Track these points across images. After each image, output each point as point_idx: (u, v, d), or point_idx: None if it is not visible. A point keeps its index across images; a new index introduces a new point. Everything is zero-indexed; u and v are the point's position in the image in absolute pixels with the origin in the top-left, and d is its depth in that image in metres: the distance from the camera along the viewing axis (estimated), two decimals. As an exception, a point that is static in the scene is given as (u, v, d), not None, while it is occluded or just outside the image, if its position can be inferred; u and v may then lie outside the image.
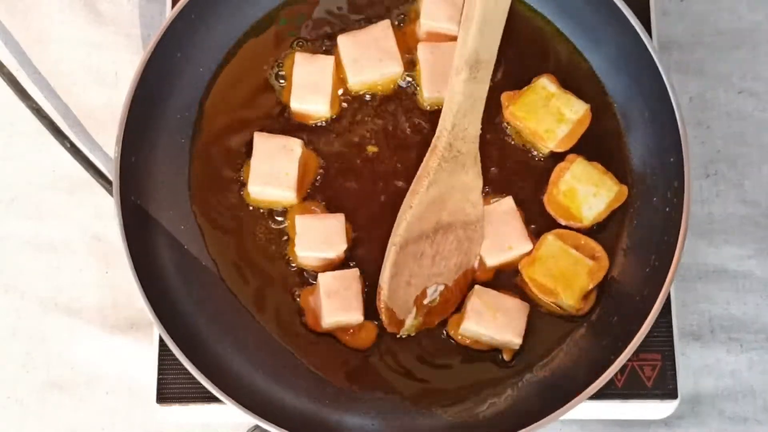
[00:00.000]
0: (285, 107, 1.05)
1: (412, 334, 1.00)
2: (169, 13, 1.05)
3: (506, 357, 0.99)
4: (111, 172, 1.09)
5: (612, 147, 1.04)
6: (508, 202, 1.02)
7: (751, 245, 1.11)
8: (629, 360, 0.98)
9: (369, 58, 1.04)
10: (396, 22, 1.07)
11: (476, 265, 1.01)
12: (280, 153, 1.02)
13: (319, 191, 1.04)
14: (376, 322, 1.00)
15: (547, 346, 1.01)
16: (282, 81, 1.06)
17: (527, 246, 1.00)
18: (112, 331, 1.09)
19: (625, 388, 1.01)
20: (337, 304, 0.99)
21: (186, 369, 0.95)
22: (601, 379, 0.95)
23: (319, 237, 1.00)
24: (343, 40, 1.05)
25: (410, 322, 1.00)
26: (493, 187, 1.03)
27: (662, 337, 1.02)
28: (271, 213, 1.03)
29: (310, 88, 1.04)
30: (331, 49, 1.06)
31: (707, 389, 1.08)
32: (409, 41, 1.06)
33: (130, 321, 1.09)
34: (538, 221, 1.02)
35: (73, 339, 1.09)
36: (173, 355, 0.96)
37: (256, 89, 1.06)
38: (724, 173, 1.13)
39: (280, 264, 1.02)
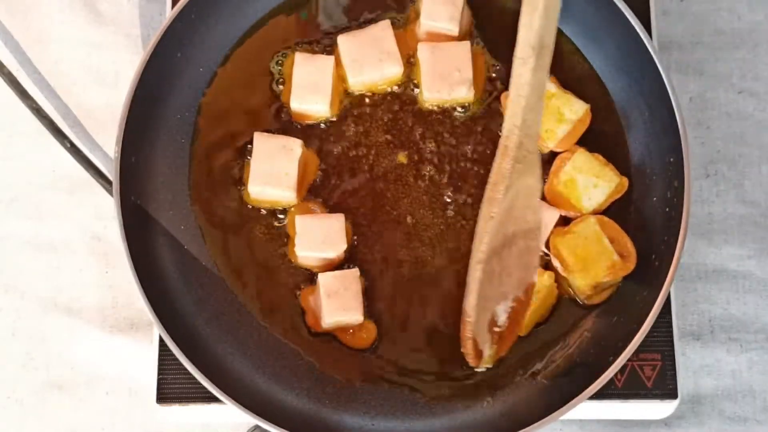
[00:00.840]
0: (285, 107, 1.05)
1: (490, 366, 0.97)
2: (169, 13, 1.05)
3: None
4: (111, 172, 1.09)
5: (612, 147, 1.04)
6: None
7: (751, 245, 1.11)
8: (629, 360, 0.98)
9: (369, 58, 1.04)
10: (396, 22, 1.07)
11: (536, 278, 0.95)
12: (280, 153, 1.02)
13: (319, 191, 1.04)
14: (376, 322, 1.01)
15: (546, 346, 1.01)
16: (282, 81, 1.06)
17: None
18: (112, 331, 1.09)
19: (625, 388, 1.01)
20: (337, 304, 0.99)
21: (186, 369, 0.95)
22: (601, 379, 0.95)
23: (319, 237, 1.00)
24: (343, 40, 1.05)
25: (488, 352, 0.95)
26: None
27: (662, 337, 1.02)
28: (271, 213, 1.03)
29: (310, 88, 1.04)
30: (331, 49, 1.06)
31: (707, 389, 1.08)
32: (409, 41, 1.06)
33: (130, 321, 1.09)
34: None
35: (73, 339, 1.09)
36: (173, 355, 0.96)
37: (255, 89, 1.06)
38: (724, 173, 1.13)
39: (281, 264, 1.02)
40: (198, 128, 1.05)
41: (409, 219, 1.03)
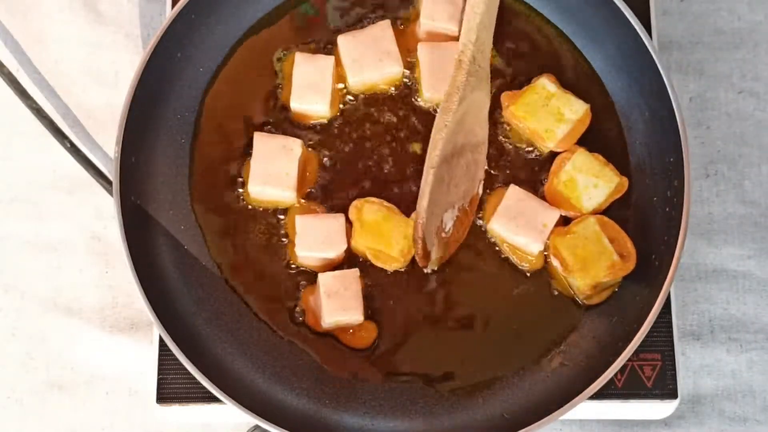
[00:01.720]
0: (285, 107, 1.05)
1: (435, 269, 1.00)
2: (169, 13, 1.05)
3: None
4: (111, 172, 1.09)
5: (612, 147, 1.04)
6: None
7: (751, 245, 1.11)
8: (629, 360, 0.98)
9: (369, 58, 1.04)
10: (396, 22, 1.07)
11: (480, 190, 1.01)
12: (280, 153, 1.02)
13: (320, 191, 1.04)
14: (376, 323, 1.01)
15: (546, 345, 1.01)
16: (282, 81, 1.06)
17: None
18: (112, 331, 1.09)
19: (625, 388, 1.01)
20: (337, 304, 0.99)
21: (186, 369, 0.95)
22: (601, 379, 0.94)
23: (319, 237, 1.00)
24: (343, 40, 1.05)
25: (434, 255, 0.99)
26: (492, 186, 1.03)
27: (662, 337, 1.02)
28: (271, 212, 1.03)
29: (310, 88, 1.04)
30: (331, 49, 1.06)
31: (707, 389, 1.08)
32: (409, 41, 1.06)
33: (130, 321, 1.09)
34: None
35: (73, 339, 1.09)
36: (173, 355, 0.96)
37: (256, 89, 1.06)
38: (724, 173, 1.13)
39: (281, 264, 1.02)
40: (198, 128, 1.05)
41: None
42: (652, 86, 1.00)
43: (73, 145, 1.10)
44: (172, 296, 1.00)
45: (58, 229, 1.11)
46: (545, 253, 1.01)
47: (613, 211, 1.02)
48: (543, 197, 1.02)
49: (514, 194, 1.01)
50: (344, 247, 1.00)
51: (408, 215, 1.02)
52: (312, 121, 1.05)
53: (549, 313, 1.01)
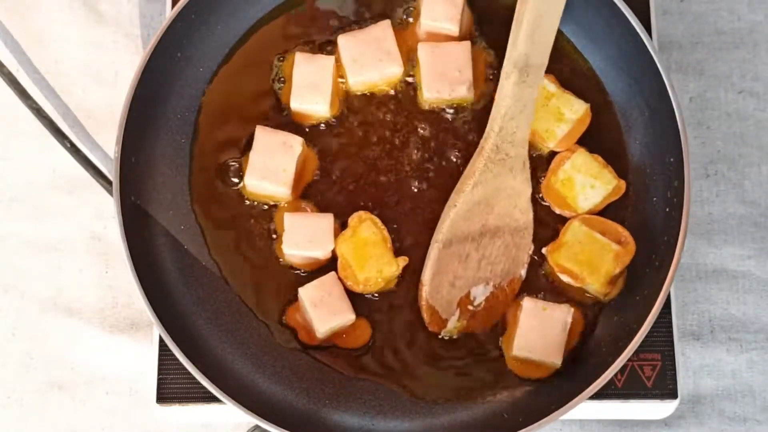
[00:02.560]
0: (285, 107, 1.05)
1: (454, 336, 1.00)
2: (169, 13, 1.05)
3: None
4: (111, 172, 1.09)
5: (612, 146, 1.04)
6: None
7: (751, 245, 1.11)
8: (629, 360, 0.98)
9: (369, 59, 1.04)
10: (396, 22, 1.07)
11: (523, 274, 1.01)
12: (279, 149, 1.02)
13: (316, 190, 1.04)
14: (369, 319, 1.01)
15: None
16: (282, 81, 1.06)
17: None
18: (112, 331, 1.09)
19: (625, 388, 1.01)
20: (325, 310, 0.98)
21: (186, 369, 0.95)
22: (601, 378, 0.94)
23: (306, 236, 1.00)
24: (343, 40, 1.05)
25: (453, 324, 1.00)
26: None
27: (662, 337, 1.02)
28: (271, 213, 1.03)
29: (310, 88, 1.04)
30: (331, 49, 1.06)
31: (707, 389, 1.08)
32: (410, 41, 1.06)
33: (130, 321, 1.09)
34: (547, 217, 1.03)
35: (73, 339, 1.09)
36: (173, 354, 0.96)
37: (256, 89, 1.06)
38: (724, 173, 1.13)
39: (281, 264, 1.02)
40: (198, 128, 1.05)
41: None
42: (652, 86, 1.00)
43: (73, 145, 1.10)
44: (172, 296, 1.00)
45: (58, 229, 1.11)
46: (547, 272, 1.01)
47: (612, 211, 1.02)
48: (540, 194, 1.02)
49: (530, 308, 1.00)
50: (331, 247, 1.00)
51: (401, 223, 1.02)
52: (312, 122, 1.05)
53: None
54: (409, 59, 1.06)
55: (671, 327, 1.02)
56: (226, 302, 1.02)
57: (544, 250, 1.01)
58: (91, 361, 1.09)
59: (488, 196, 1.00)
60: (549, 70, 1.05)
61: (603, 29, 1.04)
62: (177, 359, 0.95)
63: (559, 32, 1.06)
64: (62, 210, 1.12)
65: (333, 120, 1.05)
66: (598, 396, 0.97)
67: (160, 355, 1.01)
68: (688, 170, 0.98)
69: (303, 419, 0.98)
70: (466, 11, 1.06)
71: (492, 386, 0.99)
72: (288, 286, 1.02)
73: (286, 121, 1.05)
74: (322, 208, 1.03)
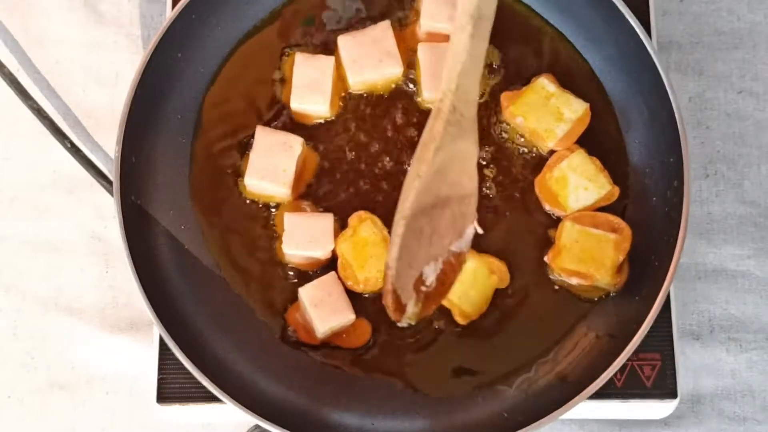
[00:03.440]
0: (285, 107, 1.05)
1: (413, 323, 0.96)
2: (169, 14, 1.05)
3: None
4: (111, 172, 1.09)
5: (611, 146, 1.04)
6: None
7: (751, 245, 1.11)
8: (629, 360, 0.98)
9: (369, 59, 1.04)
10: (396, 23, 1.07)
11: (467, 248, 0.95)
12: (280, 149, 1.02)
13: (316, 191, 1.04)
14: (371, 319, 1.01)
15: (546, 345, 1.01)
16: (282, 81, 1.06)
17: None
18: (113, 330, 1.09)
19: (625, 387, 1.01)
20: (325, 310, 0.99)
21: (186, 368, 0.95)
22: (600, 378, 0.95)
23: (306, 236, 1.00)
24: (343, 41, 1.05)
25: (411, 310, 0.94)
26: (493, 186, 1.04)
27: (662, 337, 1.02)
28: (272, 213, 1.03)
29: (310, 88, 1.04)
30: (331, 50, 1.06)
31: (707, 389, 1.08)
32: (410, 41, 1.06)
33: (131, 321, 1.09)
34: (534, 213, 1.03)
35: (73, 339, 1.09)
36: (173, 354, 0.96)
37: (256, 89, 1.06)
38: (723, 173, 1.13)
39: (281, 264, 1.02)
40: (198, 128, 1.05)
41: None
42: (651, 86, 1.00)
43: (73, 145, 1.10)
44: (172, 296, 1.00)
45: (59, 228, 1.12)
46: (558, 279, 1.01)
47: (611, 211, 1.02)
48: (539, 203, 1.03)
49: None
50: (331, 247, 1.00)
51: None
52: (312, 122, 1.05)
53: (548, 312, 1.01)
54: (409, 59, 1.06)
55: (671, 327, 1.02)
56: (226, 302, 1.02)
57: (546, 259, 1.01)
58: (91, 361, 1.09)
59: (445, 162, 0.93)
60: (548, 70, 1.05)
61: (602, 29, 1.04)
62: (177, 359, 0.95)
63: (559, 32, 1.07)
64: (63, 210, 1.12)
65: (333, 120, 1.05)
66: (597, 396, 0.97)
67: (160, 355, 1.01)
68: (687, 170, 0.98)
69: (303, 419, 0.98)
70: (465, 11, 1.06)
71: (494, 381, 1.00)
72: (288, 286, 1.02)
73: (286, 121, 1.05)
74: (321, 208, 1.03)
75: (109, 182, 1.09)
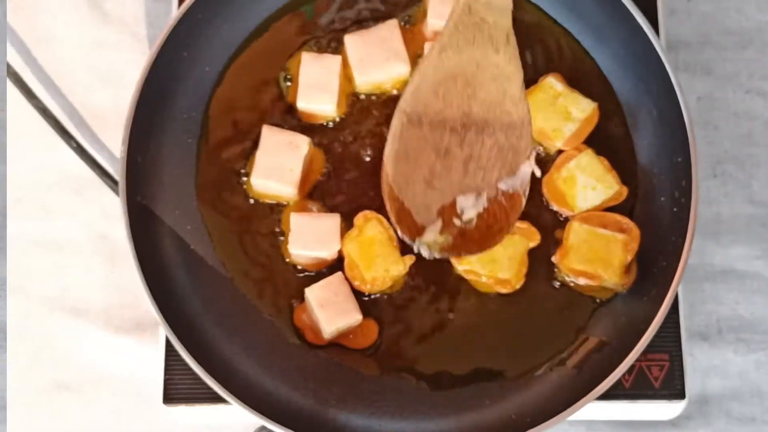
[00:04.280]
0: (292, 107, 1.05)
1: (437, 256, 0.90)
2: (175, 13, 1.05)
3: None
4: (117, 172, 1.09)
5: (619, 146, 1.04)
6: None
7: (759, 245, 1.11)
8: (637, 360, 0.98)
9: (376, 58, 1.04)
10: (403, 22, 1.07)
11: (525, 188, 0.88)
12: (286, 148, 1.02)
13: (322, 190, 1.04)
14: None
15: (554, 346, 1.00)
16: (289, 80, 1.06)
17: None
18: (119, 331, 1.09)
19: (633, 388, 1.01)
20: (332, 311, 0.98)
21: (192, 369, 0.95)
22: (608, 379, 0.94)
23: (313, 236, 1.00)
24: (350, 40, 1.05)
25: (432, 236, 0.88)
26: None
27: (670, 338, 1.01)
28: (278, 212, 1.03)
29: (316, 88, 1.04)
30: (338, 49, 1.06)
31: (715, 390, 1.08)
32: (417, 41, 1.06)
33: (137, 321, 1.09)
34: (543, 215, 1.02)
35: (79, 339, 1.09)
36: (179, 355, 0.95)
37: (262, 89, 1.06)
38: (731, 173, 1.13)
39: (287, 264, 1.02)
40: (204, 128, 1.05)
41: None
42: (659, 86, 1.00)
43: (79, 144, 1.10)
44: (178, 296, 1.00)
45: (65, 228, 1.11)
46: (565, 279, 1.01)
47: (619, 211, 1.02)
48: (545, 203, 1.02)
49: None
50: (338, 247, 1.00)
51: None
52: (318, 121, 1.05)
53: (556, 313, 1.01)
54: (416, 59, 1.06)
55: (679, 327, 1.02)
56: (233, 302, 1.02)
57: (553, 259, 1.00)
58: (97, 362, 1.09)
59: (464, 69, 0.86)
60: (556, 69, 1.05)
61: (610, 29, 1.04)
62: (183, 359, 0.95)
63: (566, 32, 1.06)
64: (69, 210, 1.12)
65: (340, 120, 1.05)
66: (605, 397, 0.97)
67: (166, 356, 1.01)
68: (695, 170, 0.98)
69: (309, 420, 0.98)
70: (473, 11, 1.05)
71: (502, 382, 0.99)
72: (294, 286, 1.02)
73: (292, 120, 1.05)
74: (328, 208, 1.03)
75: (115, 182, 1.09)
